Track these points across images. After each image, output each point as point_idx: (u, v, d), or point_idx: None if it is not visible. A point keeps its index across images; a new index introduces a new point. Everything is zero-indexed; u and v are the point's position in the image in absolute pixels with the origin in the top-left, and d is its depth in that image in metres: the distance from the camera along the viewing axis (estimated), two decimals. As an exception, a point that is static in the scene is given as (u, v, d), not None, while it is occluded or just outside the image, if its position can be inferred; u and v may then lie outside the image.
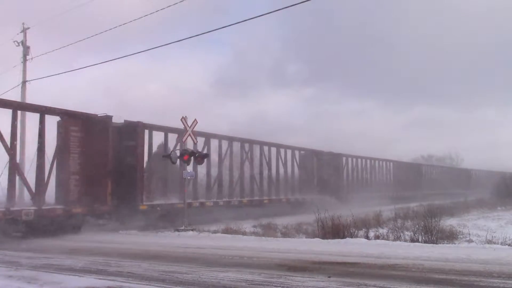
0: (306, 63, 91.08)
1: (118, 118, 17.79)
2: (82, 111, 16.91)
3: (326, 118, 77.95)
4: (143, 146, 17.96)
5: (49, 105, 15.86)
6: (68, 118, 16.20)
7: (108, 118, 16.81)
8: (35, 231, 14.18)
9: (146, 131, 18.29)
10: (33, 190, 14.92)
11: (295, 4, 11.72)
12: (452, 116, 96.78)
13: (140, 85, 76.30)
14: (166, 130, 19.43)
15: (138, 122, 17.84)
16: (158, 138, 19.32)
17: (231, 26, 19.23)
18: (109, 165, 16.63)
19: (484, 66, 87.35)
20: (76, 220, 15.76)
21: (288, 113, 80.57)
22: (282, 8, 12.65)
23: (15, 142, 14.91)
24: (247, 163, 24.33)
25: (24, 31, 26.01)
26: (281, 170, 27.35)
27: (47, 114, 15.57)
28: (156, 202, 18.65)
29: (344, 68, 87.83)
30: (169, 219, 18.13)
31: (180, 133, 19.72)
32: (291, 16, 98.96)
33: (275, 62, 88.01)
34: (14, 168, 14.63)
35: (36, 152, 15.19)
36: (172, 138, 19.60)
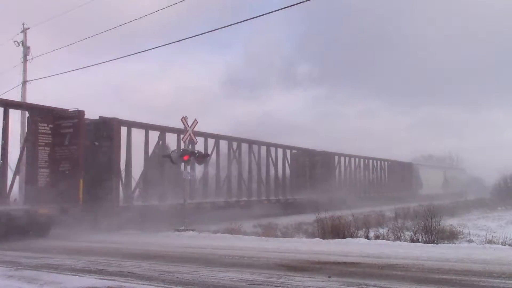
0: (310, 63, 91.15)
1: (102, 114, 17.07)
2: (53, 106, 15.86)
3: (329, 118, 77.90)
4: (119, 143, 17.15)
5: (14, 100, 15.04)
6: (37, 113, 15.35)
7: (80, 113, 15.65)
8: None
9: (124, 128, 17.57)
10: None
11: (300, 3, 11.69)
12: (455, 116, 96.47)
13: (146, 85, 76.56)
14: (147, 127, 18.65)
15: (113, 118, 17.04)
16: (138, 135, 18.31)
17: (232, 26, 19.06)
18: (81, 163, 15.51)
19: (489, 67, 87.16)
20: (43, 222, 14.62)
21: (290, 113, 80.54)
22: (285, 7, 12.66)
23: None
24: (234, 162, 23.31)
25: (24, 31, 26.03)
26: (272, 170, 26.40)
27: (12, 108, 14.72)
28: (135, 203, 17.86)
29: (349, 69, 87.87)
30: (150, 220, 17.15)
31: (162, 130, 19.22)
32: (298, 15, 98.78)
33: (280, 62, 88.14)
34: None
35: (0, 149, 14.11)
36: (155, 136, 18.93)
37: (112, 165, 16.76)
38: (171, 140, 19.66)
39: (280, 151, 27.49)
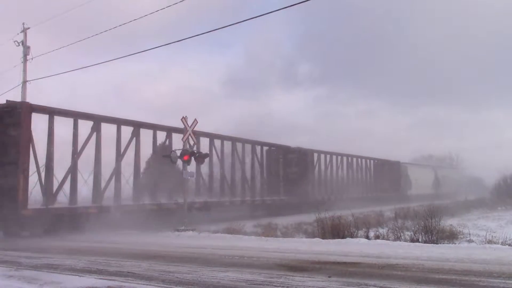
0: (310, 63, 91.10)
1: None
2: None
3: (329, 118, 77.82)
4: (29, 132, 14.65)
5: None
6: None
7: None
8: None
9: (45, 116, 15.18)
10: None
11: (300, 3, 11.69)
12: (455, 116, 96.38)
13: (146, 85, 76.61)
14: (76, 116, 15.93)
15: (22, 102, 14.80)
16: (65, 126, 15.88)
17: (232, 26, 18.96)
18: None
19: (489, 67, 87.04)
20: None
21: (290, 113, 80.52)
22: (285, 7, 12.65)
23: None
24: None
25: (24, 31, 26.07)
26: (238, 168, 24.06)
27: None
28: (57, 205, 15.49)
29: (349, 69, 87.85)
30: (74, 225, 15.49)
31: (96, 120, 16.71)
32: (298, 15, 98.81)
33: (281, 62, 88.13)
34: None
35: None
36: (84, 125, 16.47)
37: (18, 160, 14.29)
38: (108, 132, 17.40)
39: (248, 147, 24.99)
